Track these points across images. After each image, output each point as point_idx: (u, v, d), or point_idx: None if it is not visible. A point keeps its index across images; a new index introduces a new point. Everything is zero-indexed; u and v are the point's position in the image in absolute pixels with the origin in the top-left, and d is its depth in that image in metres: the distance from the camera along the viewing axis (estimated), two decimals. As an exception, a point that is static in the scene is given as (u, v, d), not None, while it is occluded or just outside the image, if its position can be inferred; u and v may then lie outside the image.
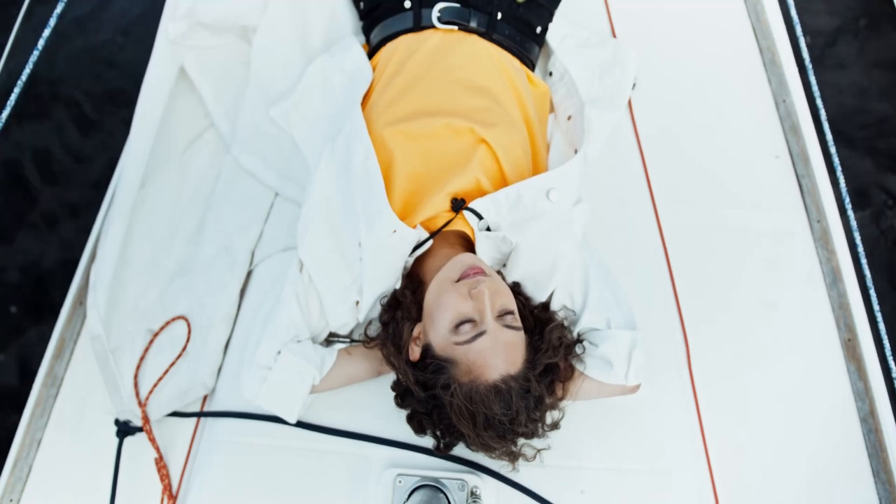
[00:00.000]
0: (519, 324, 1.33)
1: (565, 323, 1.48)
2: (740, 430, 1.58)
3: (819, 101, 1.86)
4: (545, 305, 1.52)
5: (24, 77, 1.67)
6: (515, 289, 1.52)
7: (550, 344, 1.36)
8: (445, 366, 1.33)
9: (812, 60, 1.90)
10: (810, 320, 1.72)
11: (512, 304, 1.34)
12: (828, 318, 1.73)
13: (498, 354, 1.29)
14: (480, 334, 1.29)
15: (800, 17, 1.92)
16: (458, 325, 1.31)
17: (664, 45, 2.02)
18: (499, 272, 1.56)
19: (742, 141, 1.92)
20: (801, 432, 1.60)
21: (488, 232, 1.51)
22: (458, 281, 1.35)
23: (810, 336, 1.71)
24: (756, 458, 1.56)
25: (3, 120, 1.63)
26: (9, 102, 1.65)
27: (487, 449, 1.37)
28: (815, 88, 1.87)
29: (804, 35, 1.92)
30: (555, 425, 1.40)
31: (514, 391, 1.28)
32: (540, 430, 1.37)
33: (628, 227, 1.78)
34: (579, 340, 1.49)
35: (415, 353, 1.40)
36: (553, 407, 1.39)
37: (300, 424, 1.48)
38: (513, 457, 1.38)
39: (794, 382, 1.65)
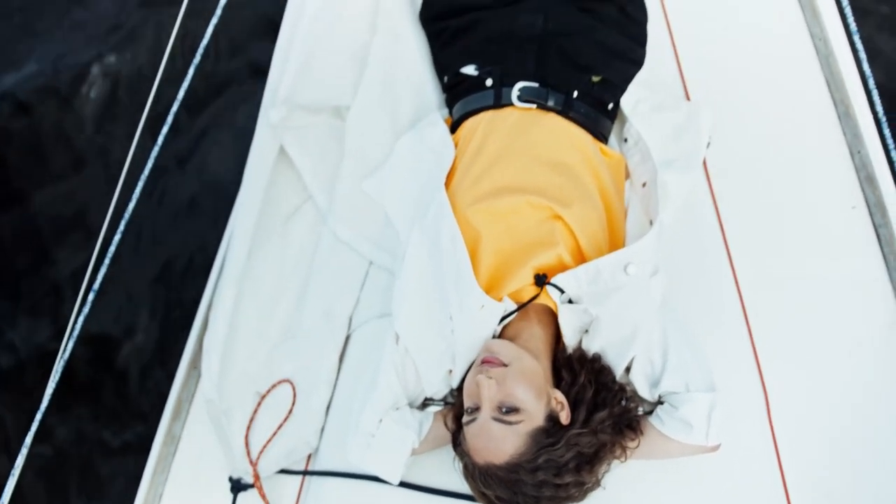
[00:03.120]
0: (516, 419, 1.40)
1: (630, 412, 1.56)
2: (825, 486, 1.61)
3: (893, 153, 1.88)
4: (620, 388, 1.58)
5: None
6: (595, 359, 1.60)
7: (566, 445, 1.41)
8: (461, 440, 1.48)
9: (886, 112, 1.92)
10: (894, 370, 1.74)
11: (519, 398, 1.41)
12: None
13: (481, 443, 1.41)
14: (473, 420, 1.43)
15: (872, 71, 1.95)
16: (466, 408, 1.46)
17: (738, 103, 2.05)
18: (581, 346, 1.64)
19: (818, 192, 1.94)
20: (887, 484, 1.61)
21: (570, 305, 1.60)
22: (480, 365, 1.48)
23: (895, 386, 1.72)
24: None
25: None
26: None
27: None
28: (889, 140, 1.89)
29: (877, 87, 1.94)
30: (582, 486, 1.46)
31: (496, 478, 1.40)
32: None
33: (705, 284, 1.82)
34: (660, 402, 1.59)
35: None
36: (580, 485, 1.45)
37: (401, 484, 1.58)
38: None
39: (879, 434, 1.66)
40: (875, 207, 1.90)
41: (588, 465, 1.45)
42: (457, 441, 1.54)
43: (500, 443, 1.39)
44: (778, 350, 1.74)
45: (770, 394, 1.69)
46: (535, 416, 1.42)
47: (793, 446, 1.64)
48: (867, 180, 1.92)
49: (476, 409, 1.44)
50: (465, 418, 1.46)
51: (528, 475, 1.39)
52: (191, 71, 2.01)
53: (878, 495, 1.61)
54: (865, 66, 1.97)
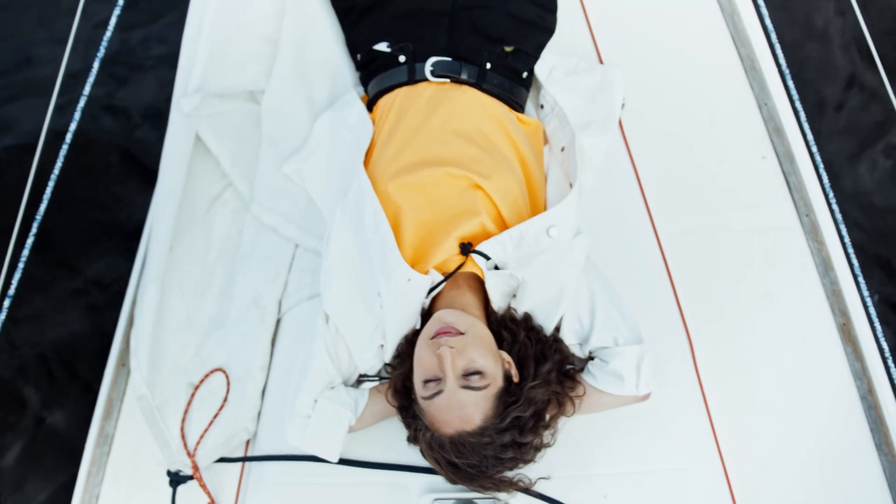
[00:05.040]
0: (483, 383, 1.42)
1: (568, 361, 1.61)
2: (749, 419, 1.70)
3: (798, 104, 1.95)
4: (554, 339, 1.62)
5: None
6: (527, 319, 1.63)
7: (526, 400, 1.45)
8: (419, 414, 1.48)
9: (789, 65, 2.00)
10: (807, 309, 1.84)
11: (480, 364, 1.43)
12: (823, 306, 1.84)
13: (452, 413, 1.41)
14: (438, 393, 1.42)
15: (774, 25, 2.02)
16: (425, 382, 1.45)
17: (649, 63, 2.11)
18: (510, 306, 1.67)
19: (730, 145, 2.02)
20: (805, 415, 1.71)
21: (496, 270, 1.62)
22: (433, 338, 1.47)
23: (808, 324, 1.82)
24: (765, 443, 1.68)
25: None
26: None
27: (464, 484, 1.50)
28: (793, 91, 1.97)
29: (779, 41, 2.01)
30: (538, 449, 1.51)
31: (469, 445, 1.41)
32: (520, 465, 1.50)
33: (627, 241, 1.89)
34: (591, 358, 1.63)
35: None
36: (537, 448, 1.50)
37: (341, 461, 1.59)
38: (498, 488, 1.49)
39: (796, 369, 1.76)
40: (784, 157, 1.98)
41: (542, 421, 1.49)
42: (410, 414, 1.54)
43: (472, 409, 1.40)
44: (699, 297, 1.82)
45: (694, 340, 1.77)
46: (496, 378, 1.44)
47: (718, 387, 1.72)
48: (775, 131, 2.00)
49: (436, 381, 1.43)
50: (424, 392, 1.45)
51: (497, 436, 1.41)
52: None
53: (800, 428, 1.70)
54: (768, 21, 2.04)
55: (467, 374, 1.41)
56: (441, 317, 1.52)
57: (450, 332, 1.46)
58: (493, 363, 1.45)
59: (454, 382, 1.41)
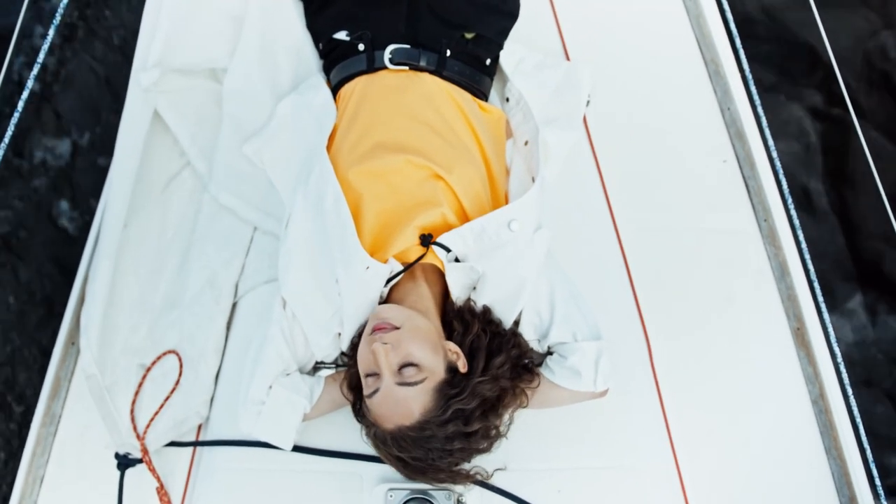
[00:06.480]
0: (419, 377, 1.41)
1: (526, 355, 1.60)
2: (702, 420, 1.71)
3: (760, 109, 1.98)
4: (513, 333, 1.62)
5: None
6: (486, 312, 1.62)
7: (471, 393, 1.43)
8: (365, 411, 1.48)
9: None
10: (763, 312, 1.86)
11: (417, 356, 1.41)
12: (778, 310, 1.86)
13: (389, 409, 1.40)
14: (377, 391, 1.42)
15: (739, 31, 2.05)
16: (366, 377, 1.45)
17: (615, 63, 2.11)
18: (470, 298, 1.66)
19: (692, 148, 2.04)
20: (758, 417, 1.74)
21: (457, 263, 1.62)
22: (370, 335, 1.46)
23: (763, 327, 1.84)
24: (718, 443, 1.70)
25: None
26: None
27: (416, 477, 1.50)
28: (756, 96, 1.99)
29: (744, 46, 2.04)
30: (489, 438, 1.50)
31: (409, 439, 1.40)
32: (473, 455, 1.50)
33: (588, 238, 1.89)
34: (549, 353, 1.63)
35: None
36: (487, 436, 1.49)
37: (295, 448, 1.57)
38: (454, 480, 1.49)
39: (750, 372, 1.78)
40: (744, 161, 2.01)
41: (493, 410, 1.48)
42: (359, 411, 1.53)
43: (409, 404, 1.39)
44: (657, 296, 1.83)
45: (651, 338, 1.78)
46: (435, 371, 1.43)
47: (673, 387, 1.73)
48: (737, 135, 2.03)
49: (375, 376, 1.42)
50: (366, 390, 1.44)
51: (439, 429, 1.40)
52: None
53: (752, 429, 1.73)
54: (732, 26, 2.07)
55: (403, 368, 1.41)
56: (377, 313, 1.52)
57: (384, 327, 1.46)
58: (433, 355, 1.44)
59: (390, 378, 1.40)
